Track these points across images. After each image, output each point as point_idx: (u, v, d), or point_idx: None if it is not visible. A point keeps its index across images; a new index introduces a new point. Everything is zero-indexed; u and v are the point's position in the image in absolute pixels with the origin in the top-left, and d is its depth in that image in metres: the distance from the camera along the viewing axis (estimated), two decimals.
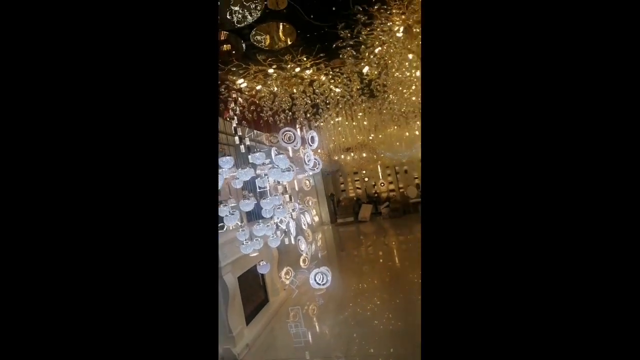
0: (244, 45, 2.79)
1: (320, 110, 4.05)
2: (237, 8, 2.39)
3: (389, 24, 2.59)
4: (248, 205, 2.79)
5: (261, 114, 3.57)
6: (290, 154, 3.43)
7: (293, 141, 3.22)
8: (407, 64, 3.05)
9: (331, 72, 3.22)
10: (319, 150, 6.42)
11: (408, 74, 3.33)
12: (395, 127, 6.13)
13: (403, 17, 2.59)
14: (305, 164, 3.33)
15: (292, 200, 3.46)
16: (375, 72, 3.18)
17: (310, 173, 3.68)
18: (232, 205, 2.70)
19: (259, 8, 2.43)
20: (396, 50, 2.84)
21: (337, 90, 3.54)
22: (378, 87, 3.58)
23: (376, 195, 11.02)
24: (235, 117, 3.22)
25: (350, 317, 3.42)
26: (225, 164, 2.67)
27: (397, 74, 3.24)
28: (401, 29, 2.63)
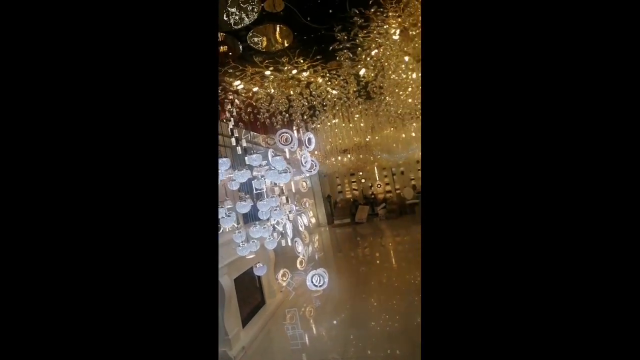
0: (240, 46, 2.79)
1: (317, 112, 4.06)
2: (234, 10, 2.39)
3: (385, 27, 2.61)
4: (244, 207, 2.78)
5: (258, 116, 3.57)
6: (287, 156, 3.43)
7: (290, 143, 3.22)
8: (403, 66, 3.07)
9: (328, 74, 3.23)
10: (316, 152, 6.43)
11: (404, 76, 3.35)
12: (392, 129, 6.16)
13: (399, 20, 2.61)
14: (302, 165, 3.33)
15: (289, 202, 3.45)
16: (372, 75, 3.19)
17: (307, 175, 3.68)
18: (229, 207, 2.69)
19: (255, 10, 2.44)
20: (392, 53, 2.86)
21: (334, 92, 3.55)
22: (374, 89, 3.60)
23: (373, 196, 11.05)
24: (232, 119, 3.21)
25: (347, 319, 3.41)
26: (222, 165, 2.66)
27: (394, 76, 3.26)
28: (397, 31, 2.65)
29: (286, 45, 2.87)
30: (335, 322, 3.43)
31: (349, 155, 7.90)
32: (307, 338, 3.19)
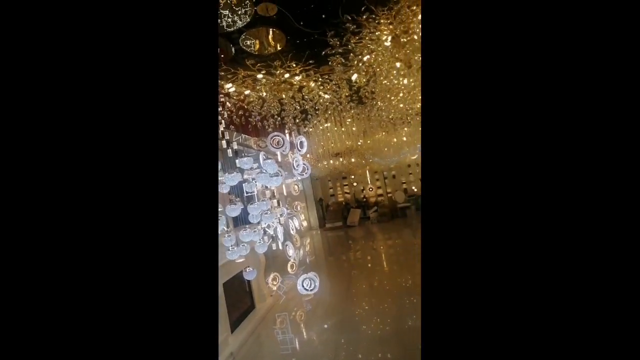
0: (233, 49, 2.79)
1: (310, 116, 4.07)
2: (226, 12, 2.38)
3: (377, 33, 2.65)
4: (234, 210, 2.76)
5: (249, 119, 3.55)
6: (279, 159, 3.42)
7: (282, 146, 3.22)
8: (394, 72, 3.12)
9: (320, 79, 3.25)
10: (308, 155, 6.43)
11: (396, 81, 3.40)
12: (384, 133, 6.23)
13: (391, 27, 2.66)
14: (294, 168, 3.33)
15: (280, 205, 3.44)
16: (364, 80, 3.23)
17: (299, 178, 3.68)
18: (219, 210, 2.66)
19: (248, 13, 2.44)
20: (384, 59, 2.90)
21: (326, 96, 3.57)
22: (366, 94, 3.64)
23: (365, 200, 11.11)
24: (223, 121, 3.19)
25: (338, 323, 3.41)
26: None
27: (385, 81, 3.30)
28: (389, 38, 2.69)
29: (279, 48, 2.88)
30: (326, 326, 3.42)
31: (341, 159, 7.94)
32: (297, 342, 3.17)
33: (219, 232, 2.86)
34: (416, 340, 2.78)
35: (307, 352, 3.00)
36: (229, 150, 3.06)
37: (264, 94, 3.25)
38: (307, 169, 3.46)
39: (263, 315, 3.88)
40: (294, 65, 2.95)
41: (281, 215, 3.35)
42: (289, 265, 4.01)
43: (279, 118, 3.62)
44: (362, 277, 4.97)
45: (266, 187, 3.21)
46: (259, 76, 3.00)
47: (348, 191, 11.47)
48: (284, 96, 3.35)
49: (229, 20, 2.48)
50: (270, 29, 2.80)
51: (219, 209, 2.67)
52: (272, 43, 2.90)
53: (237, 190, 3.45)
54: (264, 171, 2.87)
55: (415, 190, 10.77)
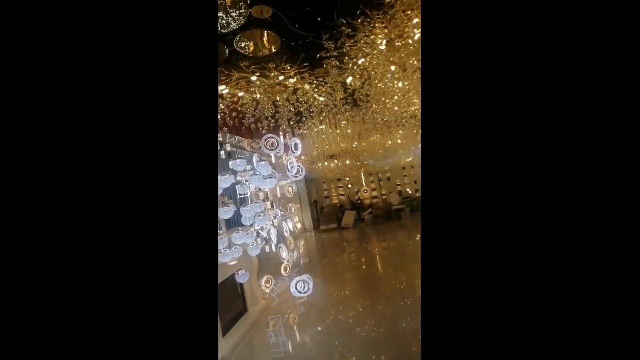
0: (227, 51, 2.77)
1: (304, 119, 4.07)
2: (221, 14, 2.37)
3: (372, 37, 2.66)
4: (227, 212, 2.74)
5: (243, 121, 3.53)
6: (273, 161, 3.41)
7: (276, 148, 3.20)
8: (389, 75, 3.14)
9: (315, 82, 3.25)
10: (303, 157, 6.43)
11: (390, 84, 3.42)
12: (378, 136, 6.26)
13: (386, 31, 2.68)
14: (289, 171, 3.31)
15: (274, 208, 3.42)
16: (359, 83, 3.24)
17: (294, 180, 3.67)
18: None
19: (243, 16, 2.43)
20: (379, 62, 2.92)
21: (321, 99, 3.57)
22: (361, 97, 3.65)
23: (359, 202, 11.13)
24: None
25: (332, 325, 3.39)
26: None
27: (380, 85, 3.32)
28: (384, 42, 2.71)
29: (274, 50, 2.87)
30: (320, 329, 3.40)
31: (336, 161, 7.95)
32: (290, 346, 3.15)
33: None
34: (410, 342, 2.78)
35: (300, 356, 2.98)
36: (222, 152, 3.04)
37: (258, 96, 3.24)
38: (302, 171, 3.46)
39: (256, 319, 3.85)
40: (289, 67, 2.95)
41: (275, 217, 3.34)
42: (282, 267, 3.99)
43: (273, 120, 3.60)
44: (357, 279, 4.97)
45: (260, 189, 3.19)
46: (253, 78, 2.99)
47: (343, 193, 11.48)
48: (278, 98, 3.34)
49: (224, 22, 2.46)
50: (265, 31, 2.79)
51: None
52: (267, 45, 2.89)
53: (230, 193, 3.42)
54: (258, 173, 2.85)
55: (410, 192, 10.83)
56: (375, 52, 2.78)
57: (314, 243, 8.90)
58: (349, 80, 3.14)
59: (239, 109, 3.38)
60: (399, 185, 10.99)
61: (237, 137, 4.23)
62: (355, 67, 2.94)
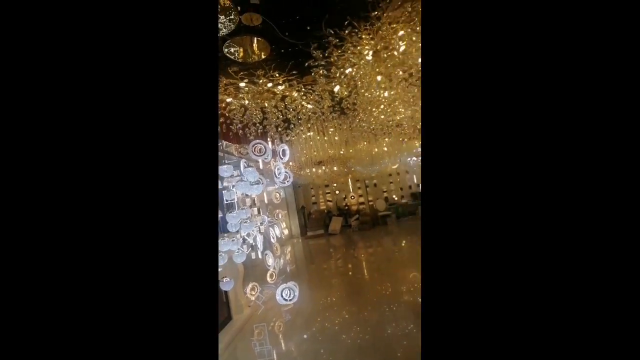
0: None
1: (292, 125, 4.09)
2: None
3: (358, 48, 2.74)
4: None
5: (231, 126, 3.52)
6: (261, 166, 3.40)
7: (263, 154, 3.20)
8: (375, 85, 3.23)
9: (303, 89, 3.29)
10: (290, 163, 6.43)
11: (377, 93, 3.52)
12: (365, 143, 6.37)
13: (372, 42, 2.76)
14: (276, 177, 3.31)
15: (261, 213, 3.40)
16: (345, 92, 3.31)
17: (281, 186, 3.66)
18: None
19: (233, 21, 2.45)
20: (365, 72, 3.00)
21: (309, 106, 3.62)
22: (348, 105, 3.73)
23: (347, 208, 11.20)
24: None
25: (317, 332, 3.37)
26: None
27: (367, 94, 3.40)
28: (370, 53, 2.79)
29: (263, 57, 2.90)
30: (305, 336, 3.37)
31: (323, 167, 7.99)
32: (275, 354, 3.10)
33: None
34: (395, 349, 2.80)
35: None
36: None
37: (246, 102, 3.24)
38: (289, 177, 3.46)
39: (240, 327, 3.77)
40: (277, 75, 2.98)
41: (261, 223, 3.31)
42: (268, 274, 3.95)
43: (261, 126, 3.61)
44: (343, 286, 4.97)
45: (246, 195, 3.17)
46: (242, 84, 3.00)
47: (330, 199, 11.52)
48: (266, 105, 3.36)
49: None
50: (255, 38, 2.82)
51: None
52: (257, 51, 2.92)
53: None
54: (245, 179, 2.84)
55: (396, 199, 11.01)
56: (362, 62, 2.86)
57: (301, 249, 8.84)
58: (336, 88, 3.21)
59: (227, 114, 3.36)
60: (385, 191, 11.15)
61: (224, 142, 4.20)
62: (342, 76, 3.01)
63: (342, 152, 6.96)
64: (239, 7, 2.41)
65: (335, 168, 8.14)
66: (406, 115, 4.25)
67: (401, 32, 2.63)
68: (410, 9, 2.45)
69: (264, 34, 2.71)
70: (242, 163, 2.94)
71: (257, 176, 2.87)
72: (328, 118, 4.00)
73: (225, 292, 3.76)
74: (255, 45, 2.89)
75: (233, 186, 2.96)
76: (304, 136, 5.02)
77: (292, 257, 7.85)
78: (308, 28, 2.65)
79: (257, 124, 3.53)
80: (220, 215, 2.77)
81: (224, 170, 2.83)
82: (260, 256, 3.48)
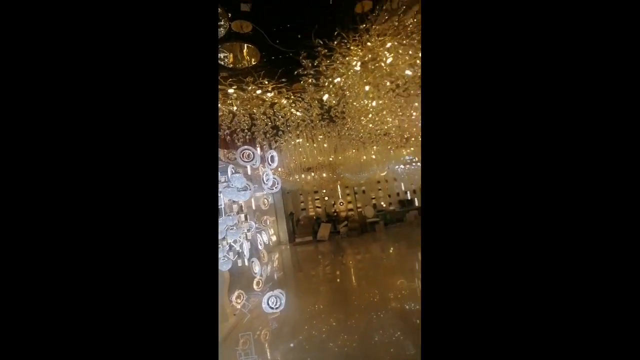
0: None
1: (281, 132, 4.11)
2: None
3: (347, 58, 2.80)
4: None
5: (218, 132, 3.50)
6: (249, 172, 3.38)
7: (252, 160, 3.19)
8: (363, 94, 3.29)
9: (292, 97, 3.32)
10: (280, 169, 6.42)
11: (365, 103, 3.59)
12: (354, 151, 6.44)
13: (360, 53, 2.83)
14: (264, 183, 3.30)
15: (248, 220, 3.36)
16: (334, 101, 3.36)
17: (269, 192, 3.65)
18: None
19: (223, 27, 2.46)
20: (354, 82, 3.06)
21: (298, 113, 3.65)
22: (337, 113, 3.78)
23: (335, 214, 11.21)
24: None
25: (304, 341, 3.33)
26: None
27: (355, 103, 3.47)
28: (358, 63, 2.86)
29: (253, 63, 2.92)
30: (292, 345, 3.32)
31: (312, 174, 8.01)
32: None
33: None
34: (382, 356, 2.80)
35: None
36: None
37: (235, 108, 3.24)
38: (277, 184, 3.45)
39: (225, 336, 3.68)
40: (266, 82, 3.00)
41: (248, 230, 3.28)
42: (255, 282, 3.89)
43: (249, 133, 3.60)
44: (331, 293, 4.94)
45: (233, 201, 3.14)
46: (230, 90, 3.00)
47: (319, 205, 11.51)
48: (255, 111, 3.36)
49: None
50: (245, 44, 2.84)
51: None
52: (247, 58, 2.93)
53: None
54: (232, 185, 2.81)
55: (384, 205, 11.13)
56: (350, 72, 2.92)
57: (289, 256, 8.76)
58: (325, 97, 3.25)
59: None
60: (373, 198, 11.25)
61: None
62: (331, 86, 3.06)
63: (331, 159, 7.01)
64: (229, 14, 2.43)
65: (324, 174, 8.18)
66: (393, 125, 4.34)
67: (388, 44, 2.71)
68: (397, 23, 2.53)
69: (255, 40, 2.74)
70: (230, 169, 2.91)
71: (245, 182, 2.85)
72: (317, 126, 4.04)
73: None
74: (245, 51, 2.91)
75: (220, 192, 2.93)
76: (293, 143, 5.04)
77: (279, 264, 7.76)
78: (299, 36, 2.69)
79: (246, 130, 3.53)
80: None
81: None
82: (246, 263, 3.43)
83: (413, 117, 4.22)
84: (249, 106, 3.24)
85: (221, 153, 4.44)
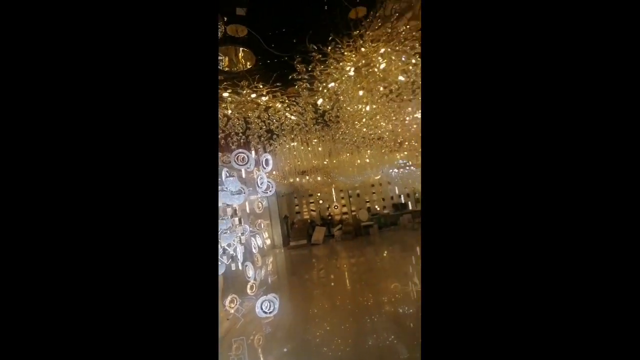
0: None
1: (275, 136, 4.12)
2: None
3: (341, 64, 2.84)
4: None
5: (218, 135, 3.49)
6: (243, 175, 3.37)
7: (246, 163, 3.19)
8: (357, 99, 3.33)
9: (287, 101, 3.34)
10: (274, 172, 6.41)
11: (358, 107, 3.63)
12: (348, 154, 6.48)
13: (354, 59, 2.87)
14: (258, 186, 3.30)
15: (242, 223, 3.35)
16: (328, 106, 3.39)
17: (263, 195, 3.64)
18: None
19: (220, 31, 2.48)
20: (347, 87, 3.10)
21: (292, 118, 3.67)
22: (331, 118, 3.81)
23: (330, 217, 11.21)
24: None
25: (298, 346, 3.31)
26: None
27: (349, 108, 3.50)
28: (352, 69, 2.89)
29: (249, 67, 2.93)
30: (285, 350, 3.30)
31: (307, 177, 8.02)
32: None
33: None
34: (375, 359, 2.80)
35: None
36: None
37: (229, 111, 3.24)
38: (272, 187, 3.45)
39: (218, 341, 3.63)
40: (261, 86, 3.02)
41: (242, 233, 3.26)
42: (248, 286, 3.86)
43: (244, 136, 3.60)
44: (325, 297, 4.94)
45: (227, 204, 3.12)
46: (225, 94, 3.00)
47: (314, 209, 11.51)
48: (249, 115, 3.37)
49: None
50: (240, 48, 2.85)
51: None
52: (242, 61, 2.95)
53: None
54: (226, 189, 2.80)
55: (378, 209, 11.18)
56: (344, 77, 2.95)
57: (283, 260, 8.72)
58: (319, 101, 3.28)
59: None
60: (367, 202, 11.30)
61: None
62: (325, 90, 3.08)
63: (325, 163, 7.03)
64: (225, 18, 2.44)
65: (319, 178, 8.19)
66: (387, 129, 4.39)
67: (382, 50, 2.76)
68: (390, 30, 2.58)
69: (250, 45, 2.76)
70: (224, 172, 2.90)
71: (239, 186, 2.84)
72: (311, 129, 4.06)
73: None
74: (240, 55, 2.92)
75: None
76: (287, 146, 5.04)
77: (274, 268, 7.71)
78: (294, 41, 2.72)
79: (240, 134, 3.53)
80: None
81: None
82: (240, 267, 3.41)
83: (406, 122, 4.28)
84: (243, 110, 3.25)
85: None
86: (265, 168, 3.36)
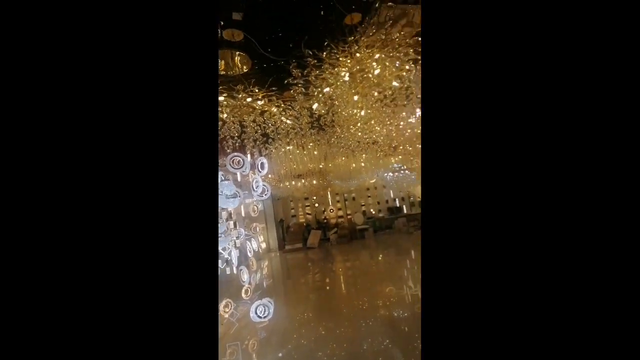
0: None
1: (271, 140, 4.13)
2: None
3: (336, 69, 2.87)
4: None
5: (218, 137, 3.49)
6: (239, 179, 3.37)
7: (242, 166, 3.19)
8: (352, 104, 3.37)
9: (282, 105, 3.37)
10: (270, 176, 6.41)
11: (354, 111, 3.66)
12: (343, 158, 6.51)
13: (349, 64, 2.91)
14: (254, 190, 3.30)
15: (237, 227, 3.34)
16: (323, 111, 3.42)
17: (259, 199, 3.64)
18: None
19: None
20: (342, 92, 3.13)
21: (288, 122, 3.69)
22: (327, 122, 3.84)
23: (325, 221, 11.21)
24: None
25: (293, 350, 3.29)
26: None
27: (344, 112, 3.54)
28: (347, 74, 2.93)
29: (245, 70, 2.95)
30: (280, 354, 3.27)
31: (302, 181, 8.02)
32: None
33: None
34: None
35: None
36: None
37: (225, 115, 3.25)
38: (267, 191, 3.45)
39: (218, 344, 3.58)
40: (257, 90, 3.04)
41: (237, 237, 3.25)
42: (243, 290, 3.84)
43: (239, 140, 3.61)
44: (320, 301, 4.92)
45: (222, 208, 3.11)
46: (220, 98, 3.02)
47: (310, 212, 11.49)
48: (245, 119, 3.38)
49: None
50: (237, 52, 2.87)
51: None
52: (238, 65, 2.97)
53: None
54: (221, 193, 2.80)
55: (374, 212, 11.21)
56: (339, 82, 2.99)
57: (279, 263, 8.67)
58: (315, 106, 3.31)
59: None
60: (363, 205, 11.33)
61: None
62: (321, 95, 3.12)
63: (321, 166, 7.05)
64: (221, 23, 2.46)
65: (314, 181, 8.20)
66: (382, 133, 4.43)
67: (376, 56, 2.80)
68: (384, 36, 2.63)
69: (246, 48, 2.78)
70: (219, 175, 2.90)
71: (234, 189, 2.84)
72: (307, 134, 4.08)
73: None
74: (237, 58, 2.94)
75: None
76: (283, 150, 5.06)
77: (269, 272, 7.67)
78: (290, 45, 2.75)
79: (235, 137, 3.53)
80: None
81: None
82: (235, 271, 3.39)
83: (400, 127, 4.33)
84: (239, 113, 3.26)
85: None
86: (260, 171, 3.36)
